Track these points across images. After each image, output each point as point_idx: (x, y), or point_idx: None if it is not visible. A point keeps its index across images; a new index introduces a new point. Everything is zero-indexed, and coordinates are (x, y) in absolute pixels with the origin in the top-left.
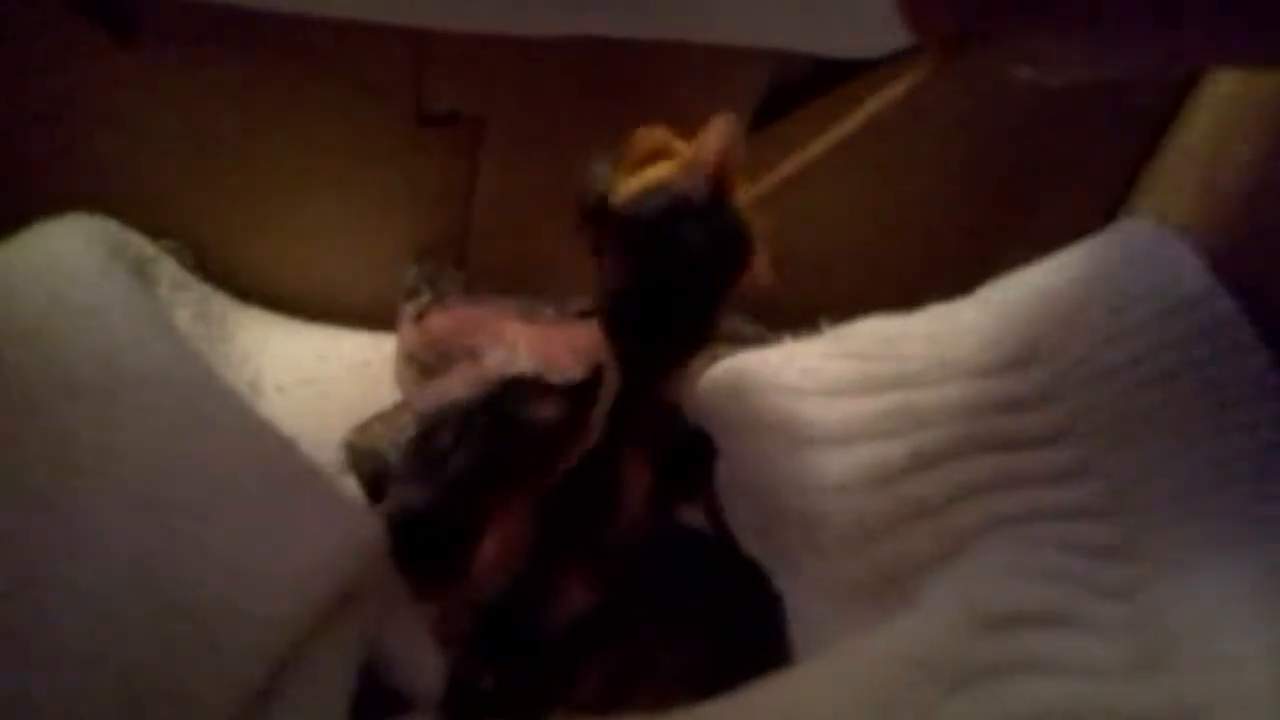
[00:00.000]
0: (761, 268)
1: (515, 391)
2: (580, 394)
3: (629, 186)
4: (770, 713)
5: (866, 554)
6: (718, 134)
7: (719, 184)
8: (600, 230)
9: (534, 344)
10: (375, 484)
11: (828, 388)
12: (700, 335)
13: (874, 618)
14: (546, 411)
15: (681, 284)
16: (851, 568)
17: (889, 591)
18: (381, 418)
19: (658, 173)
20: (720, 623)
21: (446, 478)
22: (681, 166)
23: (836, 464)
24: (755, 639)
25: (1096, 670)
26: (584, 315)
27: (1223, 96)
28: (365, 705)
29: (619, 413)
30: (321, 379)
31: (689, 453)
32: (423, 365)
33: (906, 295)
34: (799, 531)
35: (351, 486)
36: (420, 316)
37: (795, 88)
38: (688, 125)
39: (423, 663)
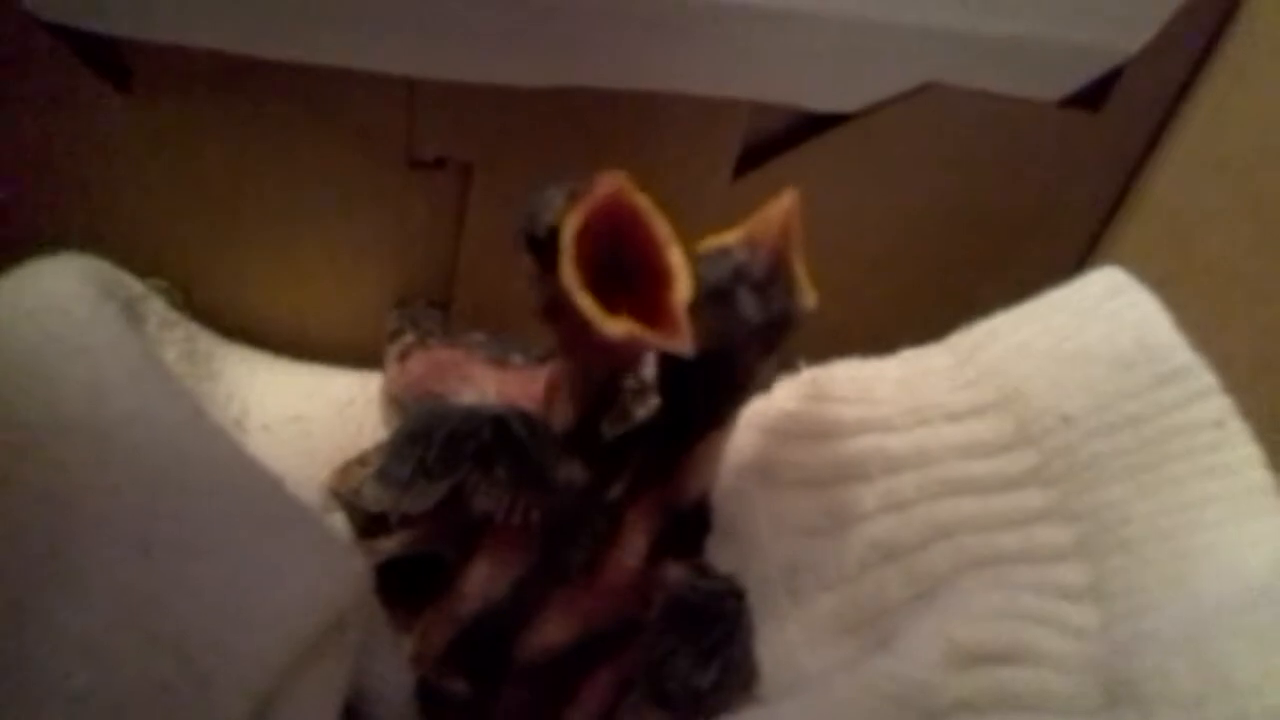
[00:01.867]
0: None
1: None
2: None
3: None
4: None
5: (841, 594)
6: (780, 208)
7: (777, 256)
8: (544, 259)
9: (501, 390)
10: (364, 525)
11: (804, 430)
12: (743, 393)
13: (850, 656)
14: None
15: (734, 348)
16: (829, 608)
17: (864, 631)
18: (362, 460)
19: (719, 240)
20: (697, 658)
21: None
22: (744, 236)
23: (812, 506)
24: (733, 674)
25: (1066, 707)
26: (544, 360)
27: (1190, 147)
28: None
29: (644, 463)
30: (307, 417)
31: (693, 520)
32: (401, 407)
33: (880, 339)
34: (776, 572)
35: (337, 523)
36: (403, 356)
37: (774, 138)
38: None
39: (402, 694)
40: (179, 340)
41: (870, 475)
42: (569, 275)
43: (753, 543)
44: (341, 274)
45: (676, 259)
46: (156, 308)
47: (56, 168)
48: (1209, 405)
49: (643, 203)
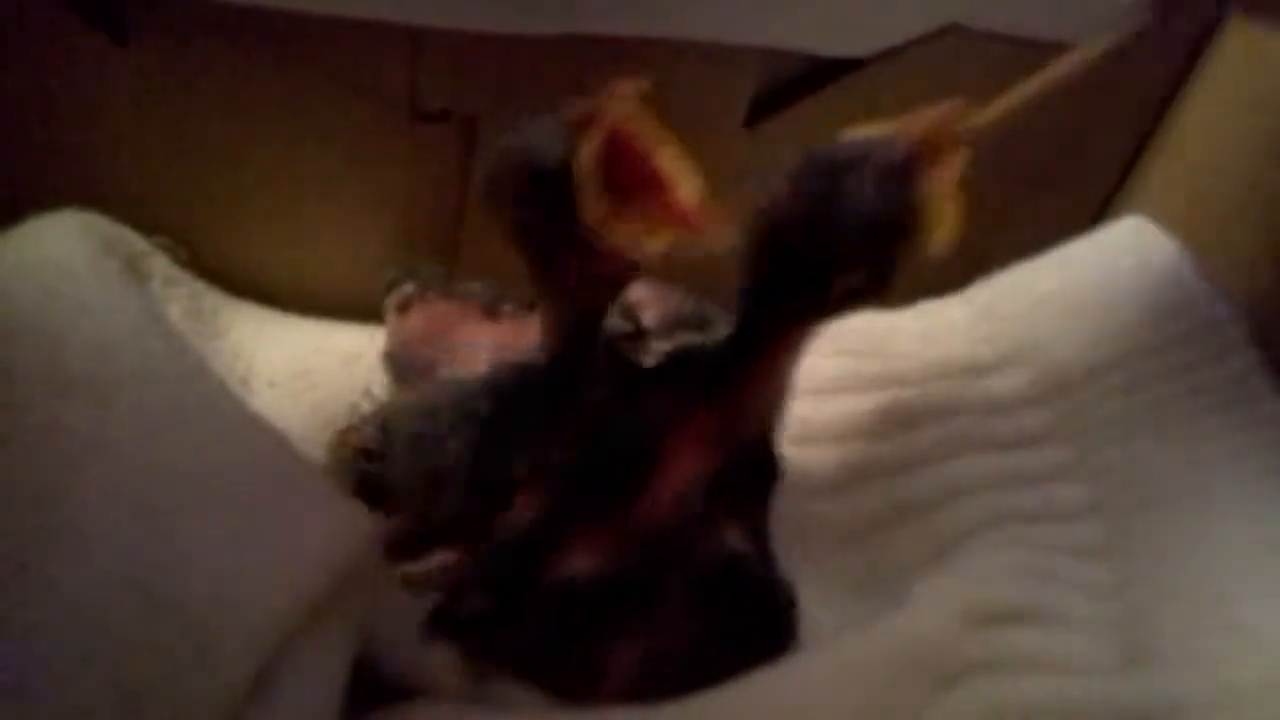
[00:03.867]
0: (940, 242)
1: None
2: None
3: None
4: (764, 705)
5: (858, 553)
6: (940, 108)
7: (915, 153)
8: (553, 198)
9: (497, 344)
10: (362, 489)
11: (819, 386)
12: (826, 300)
13: (866, 615)
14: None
15: (829, 232)
16: (844, 565)
17: (880, 590)
18: (357, 427)
19: (870, 128)
20: (725, 617)
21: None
22: (895, 127)
23: (827, 463)
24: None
25: (1082, 667)
26: (533, 306)
27: (1211, 99)
28: (359, 695)
29: (696, 379)
30: (313, 373)
31: (755, 461)
32: (398, 368)
33: (897, 291)
34: (792, 530)
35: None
36: (402, 307)
37: (787, 85)
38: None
39: (413, 651)
40: (183, 297)
41: (886, 431)
42: (594, 206)
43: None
44: (346, 229)
45: (675, 159)
46: (160, 265)
47: (55, 125)
48: (1233, 359)
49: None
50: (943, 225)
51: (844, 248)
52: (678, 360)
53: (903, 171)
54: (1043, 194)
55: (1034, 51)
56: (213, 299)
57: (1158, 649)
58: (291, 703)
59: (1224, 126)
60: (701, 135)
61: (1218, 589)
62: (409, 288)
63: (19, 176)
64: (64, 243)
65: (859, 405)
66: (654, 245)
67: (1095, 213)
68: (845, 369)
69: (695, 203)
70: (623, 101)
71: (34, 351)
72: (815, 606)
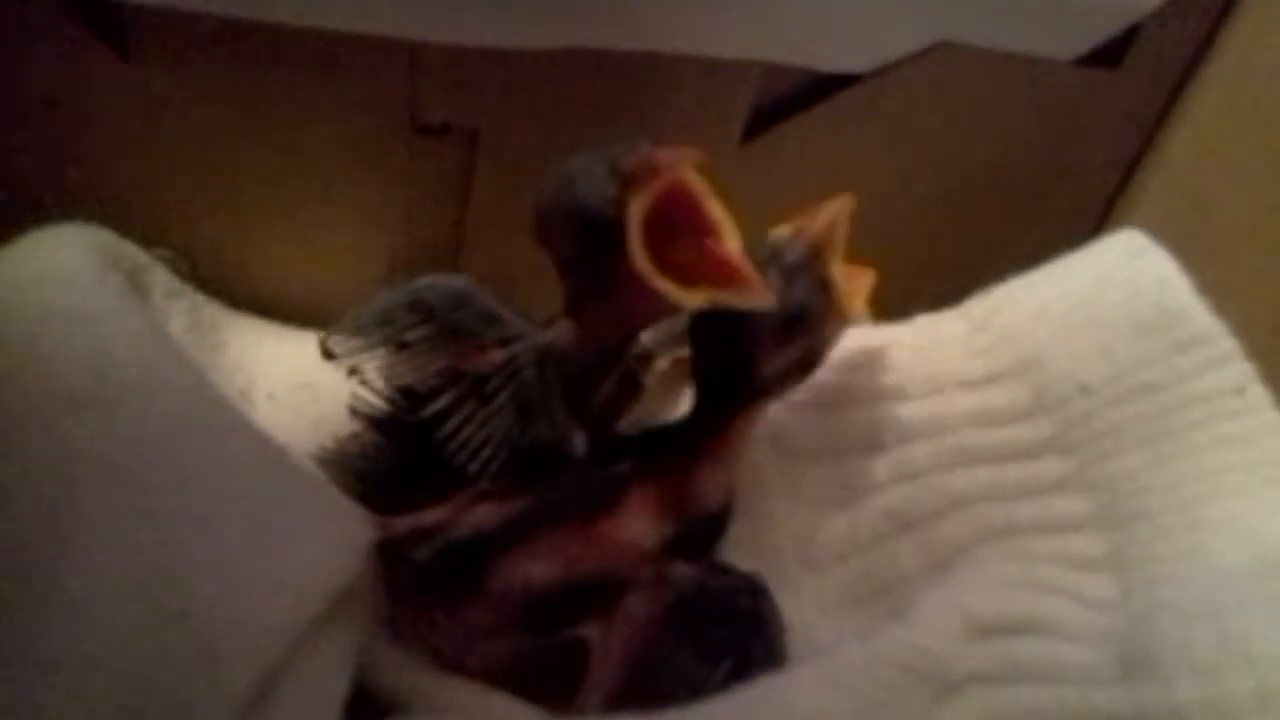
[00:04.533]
0: (854, 317)
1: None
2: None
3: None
4: (763, 713)
5: (857, 565)
6: (831, 207)
7: (814, 249)
8: (600, 242)
9: None
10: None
11: (816, 399)
12: (755, 387)
13: (865, 627)
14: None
15: (750, 332)
16: (842, 579)
17: (880, 601)
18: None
19: (776, 231)
20: (702, 657)
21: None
22: (790, 227)
23: (825, 476)
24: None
25: (1080, 678)
26: (546, 325)
27: (1210, 105)
28: (359, 706)
29: (653, 447)
30: (314, 386)
31: (707, 529)
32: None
33: (893, 305)
34: (789, 542)
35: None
36: None
37: (784, 100)
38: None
39: (410, 663)
40: (184, 310)
41: (884, 444)
42: (642, 259)
43: (765, 513)
44: (347, 242)
45: (720, 211)
46: (161, 278)
47: (58, 136)
48: (1229, 371)
49: (691, 174)
50: (852, 303)
51: (763, 342)
52: (644, 436)
53: (806, 265)
54: (1041, 205)
55: (1023, 66)
56: (213, 312)
57: (1154, 660)
58: (293, 709)
59: (1220, 139)
60: (700, 149)
61: (1213, 601)
62: None
63: (21, 189)
64: (65, 256)
65: (856, 419)
66: (694, 298)
67: (1092, 226)
68: (842, 382)
69: (736, 259)
70: (678, 163)
71: (36, 365)
72: (814, 618)
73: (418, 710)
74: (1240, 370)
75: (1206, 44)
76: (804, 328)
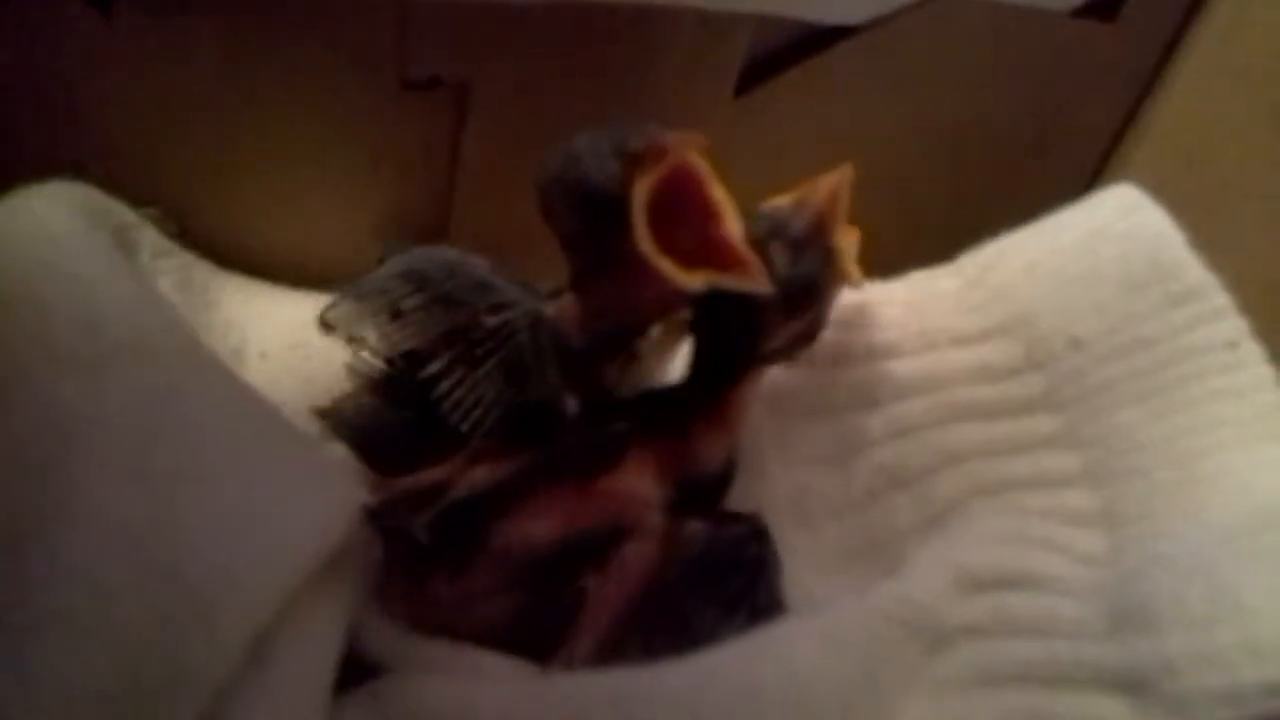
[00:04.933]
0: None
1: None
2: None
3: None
4: (756, 670)
5: (851, 522)
6: (833, 177)
7: (819, 220)
8: (605, 221)
9: None
10: (357, 445)
11: (810, 357)
12: (758, 353)
13: (859, 583)
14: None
15: (756, 302)
16: (837, 536)
17: (874, 557)
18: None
19: (773, 202)
20: (723, 612)
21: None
22: (792, 198)
23: (820, 433)
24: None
25: (1072, 631)
26: (550, 297)
27: (1207, 59)
28: (350, 670)
29: (654, 409)
30: (305, 344)
31: (708, 491)
32: None
33: (887, 261)
34: (784, 500)
35: (337, 450)
36: None
37: (778, 53)
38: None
39: (401, 626)
40: (173, 269)
41: (878, 401)
42: (645, 239)
43: (760, 472)
44: (337, 199)
45: (722, 195)
46: (149, 237)
47: (41, 95)
48: (1222, 326)
49: (695, 156)
50: (851, 273)
51: (771, 317)
52: (642, 398)
53: (811, 238)
54: (1035, 160)
55: (1019, 18)
56: (203, 271)
57: (1146, 613)
58: (287, 669)
59: (1215, 94)
60: (693, 102)
61: (1204, 554)
62: None
63: (7, 148)
64: (53, 214)
65: (850, 376)
66: (694, 281)
67: (1087, 181)
68: (835, 339)
69: (737, 244)
70: (685, 146)
71: (24, 324)
72: (808, 574)
73: (409, 671)
74: (1233, 325)
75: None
76: (810, 300)
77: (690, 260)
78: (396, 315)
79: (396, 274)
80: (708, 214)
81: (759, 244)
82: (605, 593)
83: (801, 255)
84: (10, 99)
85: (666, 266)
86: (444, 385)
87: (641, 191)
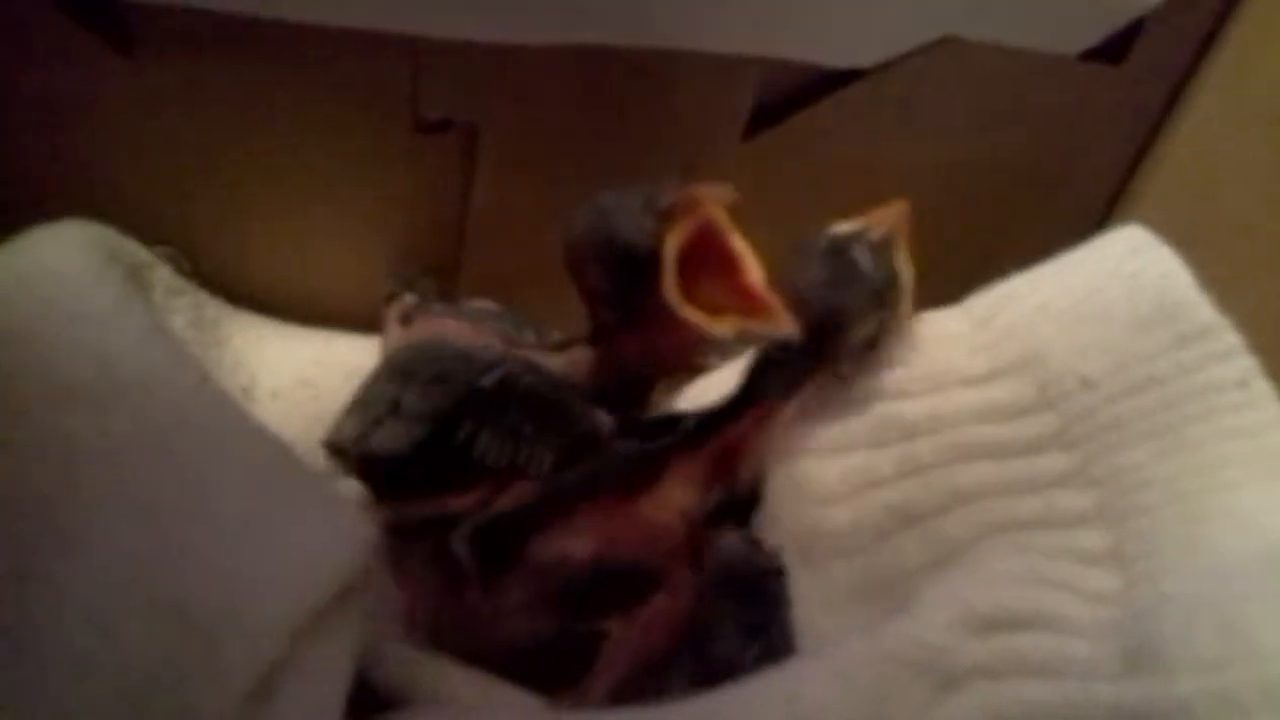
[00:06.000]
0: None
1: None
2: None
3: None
4: (767, 706)
5: (860, 561)
6: (896, 207)
7: (891, 230)
8: (635, 275)
9: None
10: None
11: (819, 397)
12: (844, 348)
13: (869, 623)
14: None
15: (848, 302)
16: (846, 575)
17: (882, 597)
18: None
19: (846, 223)
20: (744, 633)
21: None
22: (861, 221)
23: (828, 473)
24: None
25: (1084, 672)
26: (560, 348)
27: (1213, 102)
28: (360, 702)
29: (699, 423)
30: (315, 383)
31: (746, 502)
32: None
33: None
34: (794, 542)
35: (346, 488)
36: (405, 319)
37: (787, 96)
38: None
39: (412, 657)
40: (186, 307)
41: (886, 441)
42: (674, 291)
43: (769, 511)
44: (348, 239)
45: (742, 244)
46: (162, 275)
47: (59, 134)
48: (1232, 366)
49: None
50: (911, 285)
51: (855, 310)
52: (685, 414)
53: (886, 246)
54: (1044, 202)
55: (1027, 62)
56: (215, 309)
57: (1158, 653)
58: (295, 705)
59: (1222, 136)
60: (702, 145)
61: (1217, 594)
62: (410, 299)
63: (22, 185)
64: (66, 253)
65: (858, 416)
66: (722, 328)
67: (1095, 222)
68: (846, 380)
69: (762, 291)
70: (714, 200)
71: (36, 360)
72: (818, 613)
73: (419, 704)
74: (1243, 364)
75: (1209, 40)
76: (886, 299)
77: (713, 309)
78: (398, 412)
79: (383, 376)
80: (730, 263)
81: (839, 247)
82: (628, 641)
83: (880, 255)
84: (27, 135)
85: (696, 316)
86: (481, 445)
87: (673, 245)
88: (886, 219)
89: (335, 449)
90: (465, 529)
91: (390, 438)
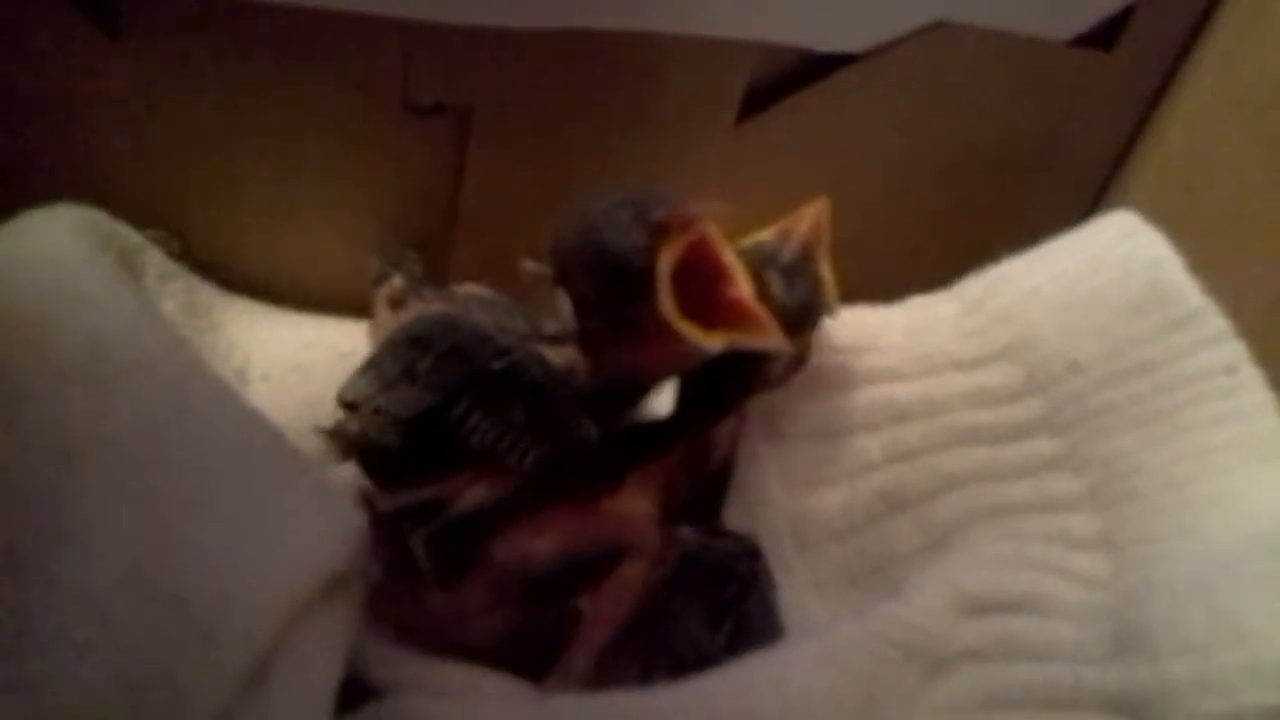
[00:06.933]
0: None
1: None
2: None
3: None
4: (755, 692)
5: (851, 545)
6: (813, 207)
7: (806, 248)
8: (628, 289)
9: None
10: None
11: (810, 381)
12: (758, 381)
13: (860, 607)
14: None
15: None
16: (837, 559)
17: (873, 581)
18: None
19: (756, 237)
20: (708, 619)
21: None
22: (776, 229)
23: (819, 457)
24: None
25: (1074, 655)
26: (553, 340)
27: (1204, 88)
28: (351, 691)
29: (650, 440)
30: (308, 367)
31: (710, 489)
32: None
33: (886, 286)
34: (784, 524)
35: (338, 474)
36: (396, 302)
37: (779, 81)
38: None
39: (399, 647)
40: (178, 292)
41: (877, 425)
42: (669, 306)
43: (760, 496)
44: (340, 223)
45: (733, 258)
46: (154, 259)
47: (48, 118)
48: (1221, 351)
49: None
50: (833, 303)
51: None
52: (638, 428)
53: (801, 264)
54: (1034, 186)
55: (1018, 47)
56: (207, 293)
57: (1146, 637)
58: (288, 692)
59: (1213, 121)
60: (694, 130)
61: (1204, 578)
62: (399, 281)
63: (12, 170)
64: (58, 237)
65: (849, 400)
66: (714, 342)
67: (1086, 207)
68: (835, 364)
69: (752, 305)
70: (707, 215)
71: (29, 345)
72: (808, 596)
73: (409, 692)
74: (1232, 349)
75: (1200, 26)
76: (806, 325)
77: (699, 320)
78: (412, 378)
79: (403, 341)
80: (720, 277)
81: (751, 274)
82: (602, 610)
83: (794, 282)
84: (17, 120)
85: (689, 330)
86: (471, 424)
87: (667, 262)
88: (808, 224)
89: (347, 405)
90: (424, 531)
91: (401, 401)
